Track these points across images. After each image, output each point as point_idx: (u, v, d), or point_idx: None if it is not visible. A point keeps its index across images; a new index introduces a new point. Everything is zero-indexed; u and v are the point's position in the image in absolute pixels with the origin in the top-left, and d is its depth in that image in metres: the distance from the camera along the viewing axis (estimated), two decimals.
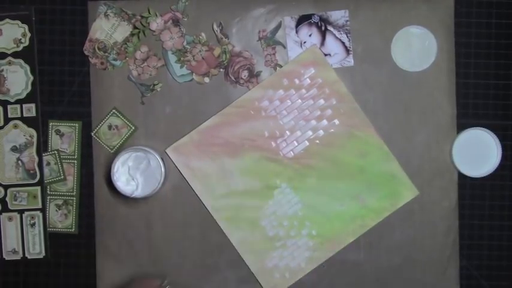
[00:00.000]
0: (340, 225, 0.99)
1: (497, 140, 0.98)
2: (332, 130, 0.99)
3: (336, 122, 0.99)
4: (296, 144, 0.99)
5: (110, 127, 0.98)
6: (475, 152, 0.98)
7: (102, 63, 0.98)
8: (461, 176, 0.99)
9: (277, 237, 0.99)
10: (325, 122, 0.99)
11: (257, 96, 0.99)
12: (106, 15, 0.97)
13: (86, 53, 0.98)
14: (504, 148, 0.98)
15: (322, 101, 0.99)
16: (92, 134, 0.99)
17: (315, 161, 0.99)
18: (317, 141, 0.99)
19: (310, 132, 0.99)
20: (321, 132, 0.99)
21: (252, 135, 0.99)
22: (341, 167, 0.99)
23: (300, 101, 0.99)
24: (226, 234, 0.99)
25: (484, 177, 0.98)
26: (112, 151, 0.99)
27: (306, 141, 0.99)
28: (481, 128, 0.98)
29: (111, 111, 0.98)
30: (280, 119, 0.99)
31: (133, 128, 0.98)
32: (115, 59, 0.98)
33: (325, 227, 1.00)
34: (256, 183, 0.99)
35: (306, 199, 0.99)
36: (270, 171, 0.99)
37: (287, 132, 0.99)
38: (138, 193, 0.93)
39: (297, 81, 0.99)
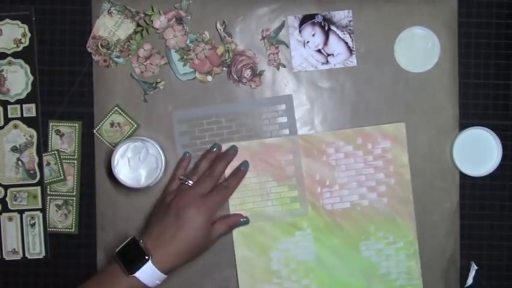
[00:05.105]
0: None
1: (497, 140, 0.98)
2: (377, 205, 0.99)
3: (385, 200, 0.99)
4: (339, 200, 0.99)
5: (112, 124, 0.98)
6: (476, 152, 0.98)
7: (105, 61, 0.98)
8: (462, 176, 0.99)
9: (278, 274, 0.99)
10: (375, 195, 0.99)
11: (327, 140, 0.99)
12: (109, 13, 0.97)
13: (89, 50, 0.98)
14: (504, 148, 0.98)
15: (382, 175, 0.99)
16: (94, 131, 0.98)
17: (347, 224, 0.99)
18: (358, 208, 0.99)
19: (356, 197, 0.99)
20: (366, 202, 0.99)
21: (304, 172, 0.99)
22: (368, 242, 0.99)
23: (362, 164, 0.99)
24: (234, 246, 0.99)
25: (484, 177, 0.99)
26: (114, 149, 0.98)
27: (349, 203, 0.99)
28: (482, 128, 0.98)
29: (114, 108, 0.98)
30: (336, 170, 0.99)
31: (135, 125, 0.98)
32: (118, 57, 0.98)
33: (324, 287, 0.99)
34: (286, 215, 0.99)
35: (322, 254, 0.99)
36: None
37: (336, 186, 0.99)
38: (141, 183, 0.93)
39: (369, 145, 0.99)
